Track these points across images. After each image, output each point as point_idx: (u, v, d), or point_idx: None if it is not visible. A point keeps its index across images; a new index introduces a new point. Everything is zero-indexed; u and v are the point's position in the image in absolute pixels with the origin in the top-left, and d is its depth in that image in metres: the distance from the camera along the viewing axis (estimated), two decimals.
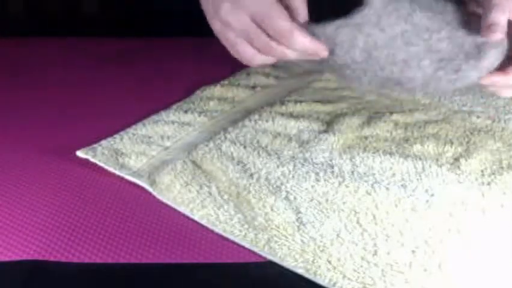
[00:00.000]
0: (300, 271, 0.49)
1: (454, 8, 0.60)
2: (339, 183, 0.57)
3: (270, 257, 0.51)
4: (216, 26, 0.61)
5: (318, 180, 0.58)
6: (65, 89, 0.88)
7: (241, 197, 0.57)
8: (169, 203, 0.58)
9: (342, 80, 0.62)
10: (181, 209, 0.57)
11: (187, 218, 0.57)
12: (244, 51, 0.60)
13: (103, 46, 1.05)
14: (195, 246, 0.53)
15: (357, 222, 0.53)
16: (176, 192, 0.58)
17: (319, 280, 0.48)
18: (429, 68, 0.55)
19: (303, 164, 0.61)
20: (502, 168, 0.61)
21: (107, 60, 0.99)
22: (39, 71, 0.95)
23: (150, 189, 0.60)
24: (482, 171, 0.60)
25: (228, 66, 0.90)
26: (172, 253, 0.52)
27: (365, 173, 0.59)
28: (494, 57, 0.55)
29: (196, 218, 0.56)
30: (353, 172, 0.60)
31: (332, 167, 0.61)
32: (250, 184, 0.58)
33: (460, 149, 0.65)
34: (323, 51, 0.57)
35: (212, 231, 0.55)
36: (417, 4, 0.59)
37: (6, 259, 0.51)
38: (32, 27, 1.13)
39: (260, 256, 0.52)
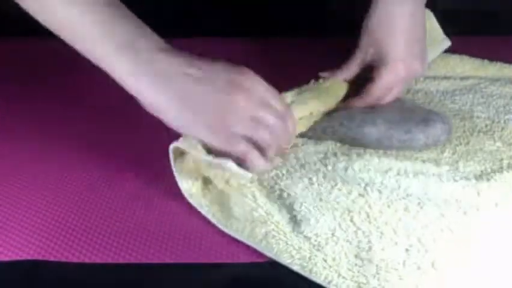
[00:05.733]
0: (296, 268, 0.49)
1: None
2: (332, 187, 0.57)
3: (266, 252, 0.51)
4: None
5: (311, 183, 0.58)
6: (65, 88, 0.88)
7: (246, 188, 0.57)
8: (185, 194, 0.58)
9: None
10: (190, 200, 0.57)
11: (187, 218, 0.57)
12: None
13: None
14: (195, 246, 0.53)
15: (351, 220, 0.53)
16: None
17: (314, 278, 0.48)
18: (382, 125, 0.64)
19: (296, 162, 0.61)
20: (502, 168, 0.61)
21: None
22: (39, 71, 0.95)
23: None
24: (481, 171, 0.61)
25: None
26: (172, 253, 0.52)
27: (360, 170, 0.60)
28: (441, 129, 0.65)
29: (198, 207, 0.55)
30: (347, 168, 0.60)
31: (326, 166, 0.61)
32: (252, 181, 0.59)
33: (459, 149, 0.65)
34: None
35: (212, 232, 0.55)
36: None
37: (6, 259, 0.51)
38: (32, 27, 1.13)
39: (260, 256, 0.52)
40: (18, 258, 0.51)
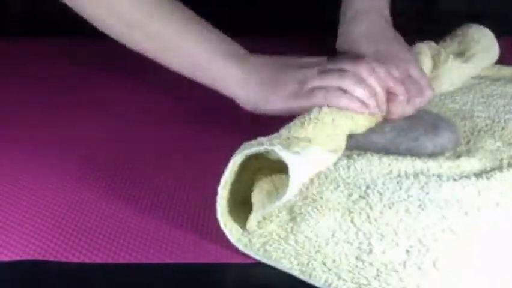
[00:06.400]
0: (296, 273, 0.49)
1: None
2: (334, 188, 0.57)
3: (264, 260, 0.51)
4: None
5: (312, 183, 0.58)
6: (67, 89, 0.88)
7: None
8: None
9: None
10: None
11: (187, 218, 0.57)
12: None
13: (104, 46, 1.05)
14: (195, 246, 0.53)
15: (352, 221, 0.53)
16: None
17: (314, 281, 0.48)
18: (390, 133, 0.63)
19: None
20: (502, 167, 0.61)
21: (108, 61, 0.99)
22: (39, 71, 0.95)
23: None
24: (481, 170, 0.60)
25: None
26: (172, 253, 0.52)
27: (361, 169, 0.59)
28: (448, 138, 0.64)
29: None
30: (349, 167, 0.60)
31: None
32: None
33: (459, 149, 0.65)
34: None
35: (212, 232, 0.55)
36: None
37: (6, 259, 0.51)
38: (32, 27, 1.13)
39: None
40: (18, 258, 0.51)
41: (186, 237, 0.54)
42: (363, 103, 0.61)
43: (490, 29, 0.89)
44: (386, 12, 0.76)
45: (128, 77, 0.93)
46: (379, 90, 0.61)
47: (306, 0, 1.12)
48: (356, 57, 0.65)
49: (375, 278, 0.48)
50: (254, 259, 0.51)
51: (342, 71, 0.61)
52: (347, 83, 0.60)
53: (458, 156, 0.63)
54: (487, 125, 0.71)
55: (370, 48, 0.71)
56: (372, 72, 0.61)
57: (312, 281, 0.48)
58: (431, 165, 0.61)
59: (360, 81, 0.61)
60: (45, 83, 0.90)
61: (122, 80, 0.92)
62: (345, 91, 0.60)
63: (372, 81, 0.61)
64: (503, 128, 0.70)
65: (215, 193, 0.61)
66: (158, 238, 0.54)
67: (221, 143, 0.73)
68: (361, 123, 0.63)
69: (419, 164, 0.61)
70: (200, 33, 0.65)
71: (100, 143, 0.72)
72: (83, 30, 1.10)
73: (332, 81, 0.61)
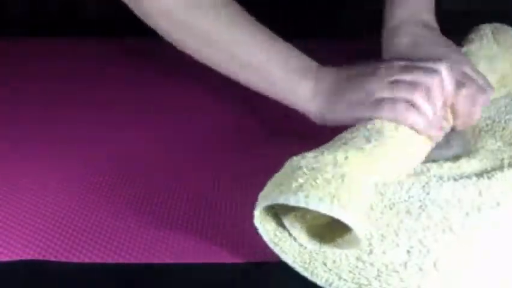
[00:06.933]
0: (299, 269, 0.49)
1: None
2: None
3: (272, 246, 0.50)
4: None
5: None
6: (65, 88, 0.88)
7: None
8: None
9: None
10: None
11: (187, 218, 0.57)
12: None
13: (104, 46, 1.05)
14: (194, 246, 0.53)
15: None
16: None
17: (316, 279, 0.48)
18: None
19: None
20: (503, 167, 0.61)
21: (108, 60, 0.99)
22: (39, 71, 0.95)
23: None
24: (482, 170, 0.60)
25: None
26: (172, 253, 0.52)
27: None
28: (458, 145, 0.64)
29: None
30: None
31: None
32: None
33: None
34: None
35: (212, 232, 0.55)
36: None
37: (6, 259, 0.51)
38: (32, 27, 1.13)
39: (260, 256, 0.51)
40: (18, 258, 0.51)
41: (186, 237, 0.54)
42: (430, 123, 0.58)
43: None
44: (430, 16, 0.74)
45: (128, 77, 0.93)
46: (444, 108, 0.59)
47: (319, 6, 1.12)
48: (430, 63, 0.60)
49: (375, 279, 0.47)
50: (254, 259, 0.51)
51: (412, 83, 0.57)
52: (416, 97, 0.56)
53: (459, 157, 0.63)
54: (487, 125, 0.71)
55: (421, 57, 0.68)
56: (441, 88, 0.58)
57: (313, 279, 0.48)
58: (432, 166, 0.60)
59: (432, 97, 0.57)
60: (46, 83, 0.90)
61: (122, 80, 0.92)
62: (414, 105, 0.57)
63: (440, 98, 0.58)
64: (503, 128, 0.70)
65: (215, 193, 0.61)
66: (158, 238, 0.54)
67: (221, 143, 0.73)
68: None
69: (419, 164, 0.61)
70: (269, 45, 0.63)
71: (100, 143, 0.72)
72: (83, 30, 1.11)
73: (401, 93, 0.57)
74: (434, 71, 0.58)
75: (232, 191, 0.62)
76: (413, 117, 0.56)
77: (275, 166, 0.68)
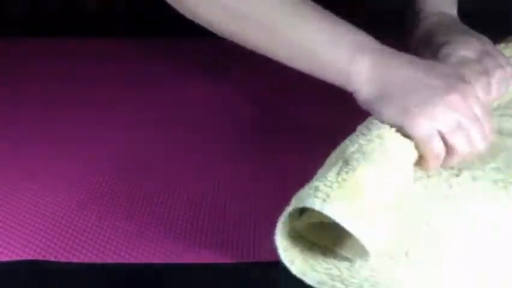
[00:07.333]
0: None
1: None
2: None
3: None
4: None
5: None
6: (65, 88, 0.88)
7: None
8: None
9: None
10: None
11: (187, 218, 0.57)
12: None
13: (104, 46, 1.05)
14: (194, 246, 0.53)
15: None
16: None
17: None
18: None
19: None
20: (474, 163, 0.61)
21: (108, 60, 0.99)
22: (39, 71, 0.95)
23: None
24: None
25: (229, 66, 0.90)
26: (172, 253, 0.52)
27: None
28: None
29: None
30: None
31: None
32: None
33: None
34: None
35: (212, 232, 0.55)
36: None
37: (6, 259, 0.51)
38: (32, 27, 1.13)
39: (260, 256, 0.52)
40: (18, 258, 0.51)
41: (186, 237, 0.54)
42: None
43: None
44: (454, 11, 0.75)
45: (128, 77, 0.93)
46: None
47: None
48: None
49: (347, 269, 0.49)
50: (254, 259, 0.51)
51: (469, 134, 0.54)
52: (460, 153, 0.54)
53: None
54: None
55: (446, 36, 0.68)
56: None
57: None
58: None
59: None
60: (46, 83, 0.90)
61: (123, 80, 0.91)
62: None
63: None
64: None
65: (215, 193, 0.61)
66: (158, 238, 0.54)
67: (221, 143, 0.73)
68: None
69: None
70: (320, 20, 0.57)
71: (100, 143, 0.72)
72: (83, 30, 1.11)
73: (456, 143, 0.54)
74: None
75: (232, 191, 0.62)
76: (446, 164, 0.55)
77: (275, 166, 0.68)
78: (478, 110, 0.55)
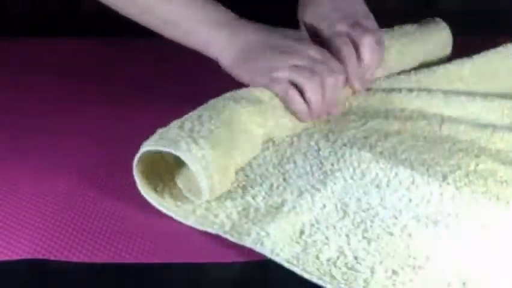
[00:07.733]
0: (287, 264, 0.49)
1: None
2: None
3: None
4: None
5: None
6: (65, 88, 0.88)
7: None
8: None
9: None
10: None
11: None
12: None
13: (104, 46, 1.05)
14: (194, 246, 0.53)
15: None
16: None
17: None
18: None
19: None
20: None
21: (108, 60, 0.99)
22: (39, 71, 0.95)
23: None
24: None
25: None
26: (172, 253, 0.52)
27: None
28: None
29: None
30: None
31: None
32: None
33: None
34: None
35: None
36: None
37: (6, 259, 0.51)
38: (32, 27, 1.13)
39: (259, 256, 0.52)
40: (18, 257, 0.51)
41: (186, 237, 0.54)
42: (310, 111, 0.65)
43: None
44: None
45: (128, 77, 0.93)
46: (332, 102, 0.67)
47: None
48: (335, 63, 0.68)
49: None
50: (254, 259, 0.51)
51: (313, 71, 0.64)
52: (309, 88, 0.64)
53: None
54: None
55: (330, 5, 0.75)
56: (336, 88, 0.66)
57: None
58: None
59: (322, 90, 0.65)
60: (45, 83, 0.89)
61: (122, 80, 0.91)
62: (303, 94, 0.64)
63: (332, 92, 0.66)
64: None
65: None
66: (158, 238, 0.54)
67: None
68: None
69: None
70: (191, 1, 0.70)
71: (100, 142, 0.72)
72: (83, 30, 1.11)
73: (297, 78, 0.64)
74: (335, 72, 0.66)
75: None
76: (297, 105, 0.64)
77: None
78: (317, 55, 0.66)
